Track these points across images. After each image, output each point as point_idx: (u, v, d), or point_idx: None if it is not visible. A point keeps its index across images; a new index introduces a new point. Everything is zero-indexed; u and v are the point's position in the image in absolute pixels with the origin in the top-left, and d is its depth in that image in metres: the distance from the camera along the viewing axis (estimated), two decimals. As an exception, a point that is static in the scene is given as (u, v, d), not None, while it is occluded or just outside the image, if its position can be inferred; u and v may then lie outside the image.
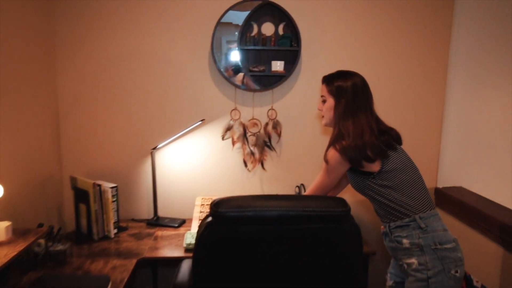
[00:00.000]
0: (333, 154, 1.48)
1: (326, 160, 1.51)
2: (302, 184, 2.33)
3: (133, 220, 2.28)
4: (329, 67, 2.23)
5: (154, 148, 2.18)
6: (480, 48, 2.23)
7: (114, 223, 2.04)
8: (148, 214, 2.33)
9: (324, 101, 1.57)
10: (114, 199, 2.04)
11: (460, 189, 2.30)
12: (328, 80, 1.56)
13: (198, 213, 2.17)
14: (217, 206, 1.14)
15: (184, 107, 2.24)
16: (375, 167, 1.45)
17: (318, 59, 2.23)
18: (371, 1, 2.19)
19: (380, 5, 2.19)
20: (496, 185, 2.28)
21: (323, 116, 1.60)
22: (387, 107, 2.28)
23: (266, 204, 1.16)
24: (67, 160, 2.23)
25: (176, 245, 1.92)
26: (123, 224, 2.19)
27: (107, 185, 2.01)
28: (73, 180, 2.08)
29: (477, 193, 2.21)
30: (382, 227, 1.56)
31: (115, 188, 2.04)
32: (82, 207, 2.00)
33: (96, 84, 2.18)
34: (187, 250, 1.86)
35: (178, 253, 1.84)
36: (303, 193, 2.31)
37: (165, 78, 2.20)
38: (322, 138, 2.31)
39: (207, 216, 1.19)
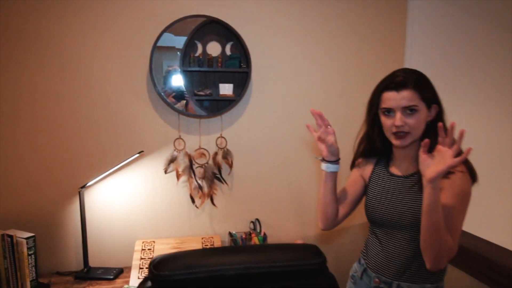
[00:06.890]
0: (467, 179, 1.16)
1: (461, 190, 1.14)
2: (257, 219, 2.09)
3: (58, 273, 1.90)
4: (283, 90, 2.07)
5: (83, 187, 1.85)
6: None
7: (32, 281, 1.67)
8: (77, 265, 1.96)
9: (412, 111, 1.17)
10: (31, 252, 1.67)
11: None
12: (418, 82, 1.18)
13: (138, 260, 1.85)
14: (158, 268, 0.87)
15: (119, 138, 1.93)
16: None
17: (270, 81, 2.05)
18: (323, 18, 2.06)
19: (332, 21, 2.07)
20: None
21: (405, 134, 1.19)
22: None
23: (222, 261, 0.91)
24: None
25: (110, 305, 1.59)
26: (44, 281, 1.80)
27: (21, 235, 1.65)
28: (-23, 231, 1.69)
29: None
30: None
31: (32, 239, 1.67)
32: (-12, 265, 1.62)
33: (14, 113, 1.83)
34: (123, 311, 1.53)
35: (112, 316, 1.51)
36: (258, 228, 2.07)
37: (96, 105, 1.90)
38: (279, 167, 2.10)
39: (145, 280, 0.92)
